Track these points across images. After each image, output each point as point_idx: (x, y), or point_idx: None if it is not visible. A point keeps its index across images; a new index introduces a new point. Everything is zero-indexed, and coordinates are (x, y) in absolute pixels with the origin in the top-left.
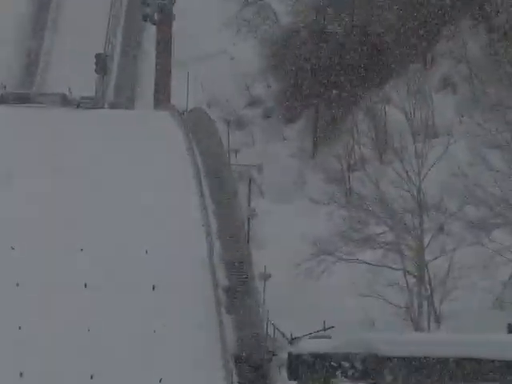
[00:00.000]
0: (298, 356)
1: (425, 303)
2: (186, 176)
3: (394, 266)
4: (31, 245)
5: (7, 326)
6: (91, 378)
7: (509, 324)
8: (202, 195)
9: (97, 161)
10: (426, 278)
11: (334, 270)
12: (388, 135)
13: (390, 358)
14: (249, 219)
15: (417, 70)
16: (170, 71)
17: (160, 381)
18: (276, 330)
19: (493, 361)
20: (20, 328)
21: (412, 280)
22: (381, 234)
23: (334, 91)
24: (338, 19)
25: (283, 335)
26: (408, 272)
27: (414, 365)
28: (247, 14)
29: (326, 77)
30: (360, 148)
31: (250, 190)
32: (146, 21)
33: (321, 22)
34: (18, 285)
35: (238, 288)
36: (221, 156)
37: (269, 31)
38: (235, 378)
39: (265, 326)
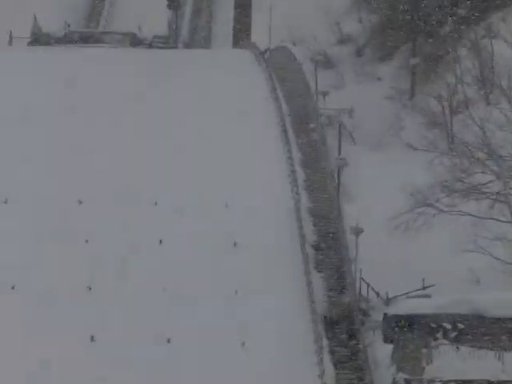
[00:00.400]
0: (395, 317)
1: None
2: (269, 121)
3: (501, 219)
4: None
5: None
6: (168, 341)
7: None
8: (287, 143)
9: (175, 111)
10: None
11: (434, 224)
12: (495, 73)
13: (498, 320)
14: (339, 169)
15: None
16: (250, 5)
17: (243, 344)
18: (370, 289)
19: None
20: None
21: None
22: (487, 183)
23: (434, 24)
24: None
25: (378, 295)
26: None
27: None
28: None
29: (425, 8)
30: (463, 88)
31: (340, 136)
32: None
33: None
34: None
35: (327, 244)
36: (308, 99)
37: None
38: (325, 342)
39: (357, 285)
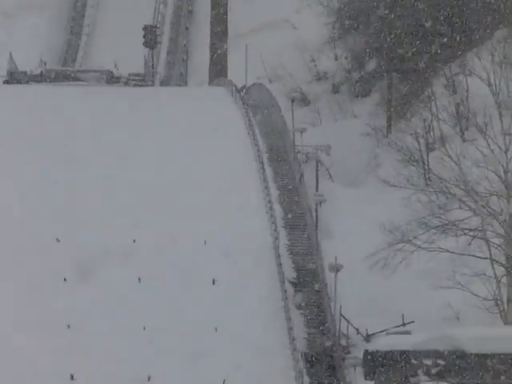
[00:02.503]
0: (375, 353)
1: None
2: (246, 159)
3: (479, 255)
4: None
5: None
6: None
7: None
8: (264, 180)
9: (154, 146)
10: None
11: (412, 260)
12: (471, 110)
13: (478, 355)
14: (317, 205)
15: (503, 36)
16: (226, 43)
17: (224, 382)
18: (350, 326)
19: None
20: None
21: (500, 269)
22: (464, 219)
23: (410, 62)
24: None
25: (358, 331)
26: (495, 261)
27: (506, 362)
28: None
29: (401, 46)
30: (439, 124)
31: (317, 173)
32: None
33: None
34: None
35: (306, 280)
36: (284, 136)
37: None
38: (306, 379)
39: (337, 322)
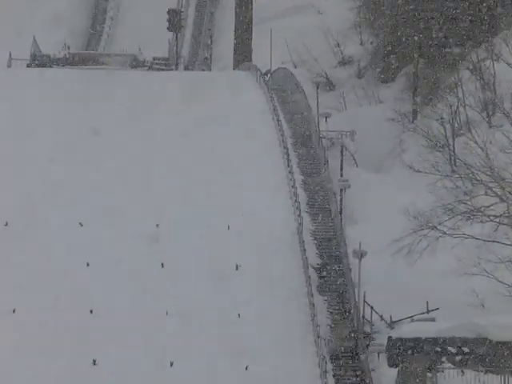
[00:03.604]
0: (399, 341)
1: None
2: (270, 144)
3: (505, 241)
4: None
5: None
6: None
7: None
8: (288, 165)
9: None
10: None
11: (437, 247)
12: (497, 95)
13: (502, 343)
14: (341, 191)
15: None
16: (252, 28)
17: (246, 368)
18: (373, 313)
19: None
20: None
21: None
22: (490, 205)
23: (437, 46)
24: None
25: (381, 318)
26: None
27: None
28: None
29: (427, 31)
30: (466, 110)
31: (342, 158)
32: None
33: None
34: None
35: (330, 267)
36: (309, 121)
37: None
38: (329, 366)
39: (361, 308)
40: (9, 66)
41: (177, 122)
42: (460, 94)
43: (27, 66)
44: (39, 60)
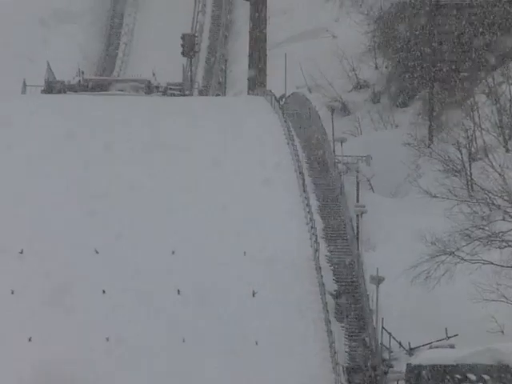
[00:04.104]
0: (418, 368)
1: None
2: (286, 169)
3: None
4: None
5: None
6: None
7: None
8: (304, 190)
9: (186, 155)
10: None
11: (455, 272)
12: None
13: None
14: (357, 216)
15: None
16: (266, 52)
17: None
18: (392, 339)
19: None
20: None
21: None
22: (508, 231)
23: (452, 71)
24: None
25: (400, 345)
26: None
27: None
28: None
29: (443, 55)
30: (482, 134)
31: (358, 183)
32: None
33: None
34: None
35: (347, 293)
36: (324, 146)
37: (376, 5)
38: None
39: (379, 335)
40: (23, 92)
41: (188, 142)
42: (476, 119)
43: (42, 93)
44: (54, 86)
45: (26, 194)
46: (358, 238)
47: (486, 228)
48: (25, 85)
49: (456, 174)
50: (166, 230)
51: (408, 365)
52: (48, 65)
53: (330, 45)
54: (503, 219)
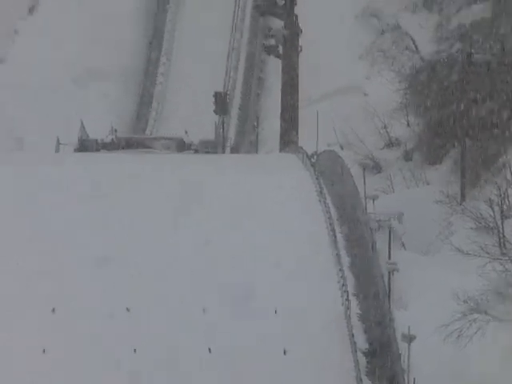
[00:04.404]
0: None
1: None
2: (317, 225)
3: None
4: None
5: None
6: None
7: None
8: (335, 247)
9: (218, 211)
10: None
11: (488, 332)
12: None
13: None
14: (389, 274)
15: None
16: (297, 110)
17: None
18: None
19: None
20: None
21: None
22: None
23: (484, 128)
24: (486, 46)
25: None
26: None
27: None
28: (383, 43)
29: (475, 111)
30: None
31: (389, 241)
32: (269, 54)
33: (467, 49)
34: None
35: (378, 351)
36: (356, 203)
37: (407, 62)
38: None
39: None
40: (57, 151)
41: (217, 206)
42: (508, 176)
43: (75, 151)
44: (87, 145)
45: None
46: (389, 296)
47: None
48: (58, 143)
49: (488, 231)
50: (194, 290)
51: None
52: (81, 123)
53: (362, 102)
54: None
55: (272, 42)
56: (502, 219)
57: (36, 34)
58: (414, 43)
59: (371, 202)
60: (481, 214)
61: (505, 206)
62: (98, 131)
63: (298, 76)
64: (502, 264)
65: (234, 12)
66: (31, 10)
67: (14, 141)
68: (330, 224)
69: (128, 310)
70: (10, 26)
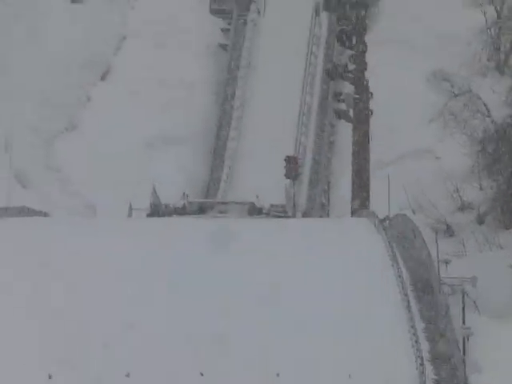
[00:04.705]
0: None
1: None
2: (390, 291)
3: None
4: None
5: None
6: None
7: None
8: (409, 311)
9: (289, 276)
10: None
11: None
12: None
13: None
14: (464, 338)
15: None
16: (368, 173)
17: None
18: None
19: None
20: None
21: None
22: None
23: None
24: None
25: None
26: None
27: None
28: (454, 107)
29: None
30: None
31: (463, 305)
32: (339, 118)
33: None
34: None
35: None
36: (429, 267)
37: (479, 126)
38: None
39: None
40: (129, 215)
41: (289, 272)
42: None
43: (147, 216)
44: (159, 210)
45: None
46: (464, 361)
47: None
48: (131, 208)
49: None
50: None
51: None
52: (153, 188)
53: (434, 165)
54: None
55: (342, 105)
56: None
57: (108, 99)
58: (485, 107)
59: (444, 265)
60: None
61: None
62: (170, 195)
63: (368, 139)
64: None
65: (304, 76)
66: (104, 77)
67: (87, 206)
68: (403, 288)
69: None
70: (83, 93)
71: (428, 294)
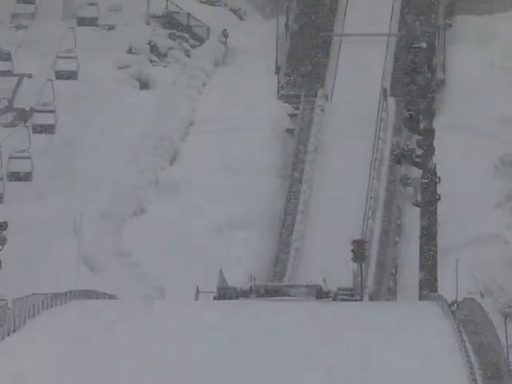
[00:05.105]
0: None
1: None
2: (458, 374)
3: None
4: None
5: None
6: None
7: None
8: None
9: (356, 362)
10: None
11: None
12: None
13: None
14: None
15: None
16: (437, 257)
17: None
18: None
19: None
20: None
21: None
22: None
23: None
24: None
25: None
26: None
27: None
28: None
29: None
30: None
31: None
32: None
33: None
34: None
35: None
36: (498, 353)
37: None
38: None
39: None
40: (196, 298)
41: (357, 358)
42: None
43: (214, 299)
44: (225, 293)
45: None
46: None
47: None
48: (198, 291)
49: None
50: None
51: None
52: (220, 272)
53: (502, 250)
54: None
55: (410, 190)
56: None
57: (174, 186)
58: None
59: None
60: None
61: None
62: (237, 278)
63: (436, 224)
64: None
65: (372, 161)
66: (172, 161)
67: (155, 289)
68: (471, 373)
69: None
70: (152, 177)
71: (497, 380)
